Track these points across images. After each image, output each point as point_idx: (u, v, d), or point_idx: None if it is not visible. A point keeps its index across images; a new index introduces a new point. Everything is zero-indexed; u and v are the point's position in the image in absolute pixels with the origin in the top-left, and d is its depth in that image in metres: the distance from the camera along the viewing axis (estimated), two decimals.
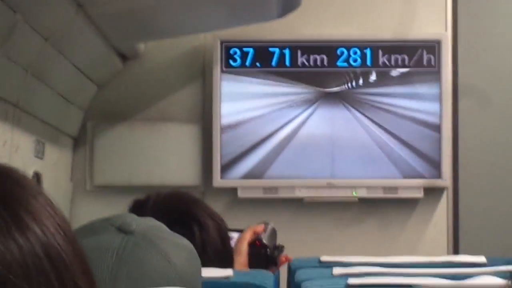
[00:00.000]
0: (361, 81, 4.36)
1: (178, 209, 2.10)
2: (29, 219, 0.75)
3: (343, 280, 1.93)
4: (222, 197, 4.25)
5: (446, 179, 4.24)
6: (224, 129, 4.28)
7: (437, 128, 4.26)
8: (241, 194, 4.25)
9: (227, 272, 1.76)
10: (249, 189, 4.29)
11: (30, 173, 3.57)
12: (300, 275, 2.10)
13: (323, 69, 4.36)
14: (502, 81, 4.54)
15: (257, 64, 4.31)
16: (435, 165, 4.27)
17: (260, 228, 2.51)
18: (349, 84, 4.34)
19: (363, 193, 4.33)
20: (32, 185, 0.90)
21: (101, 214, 1.48)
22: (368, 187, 4.33)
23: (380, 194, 4.30)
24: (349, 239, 4.29)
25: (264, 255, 2.48)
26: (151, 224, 1.43)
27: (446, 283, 1.85)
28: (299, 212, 4.37)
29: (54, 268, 0.75)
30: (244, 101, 4.41)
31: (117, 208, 1.88)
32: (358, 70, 4.35)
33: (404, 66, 4.32)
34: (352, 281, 1.85)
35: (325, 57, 4.35)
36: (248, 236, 2.47)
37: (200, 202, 2.19)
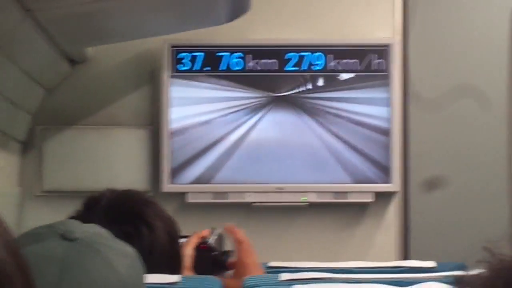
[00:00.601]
0: (311, 86, 4.33)
1: (129, 209, 2.07)
2: None
3: (290, 287, 1.92)
4: (171, 202, 4.15)
5: (396, 184, 4.24)
6: (173, 133, 4.26)
7: (386, 133, 4.25)
8: (190, 199, 4.24)
9: (175, 278, 1.74)
10: (198, 194, 4.27)
11: None
12: (247, 280, 2.05)
13: (273, 73, 4.35)
14: (451, 86, 4.52)
15: (206, 68, 4.31)
16: (385, 170, 4.26)
17: (206, 232, 2.48)
18: (300, 89, 4.31)
19: (313, 198, 4.29)
20: None
21: (50, 219, 1.44)
22: (318, 192, 4.27)
23: (330, 199, 4.28)
24: (299, 244, 4.26)
25: (210, 258, 2.45)
26: (95, 232, 1.43)
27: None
28: (248, 217, 4.31)
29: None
30: (194, 106, 4.38)
31: (66, 213, 1.90)
32: (308, 74, 4.32)
33: (354, 70, 4.32)
34: (298, 287, 1.84)
35: (275, 61, 4.31)
36: (194, 241, 2.47)
37: (152, 203, 2.13)
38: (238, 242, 2.49)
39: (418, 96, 4.46)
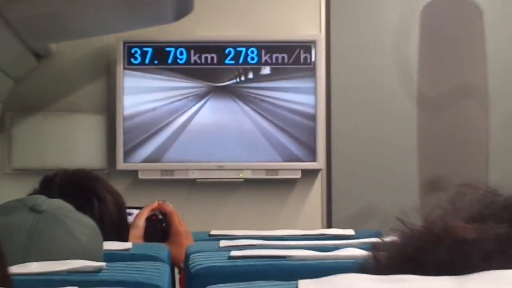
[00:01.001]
0: (246, 77, 4.64)
1: (81, 184, 2.28)
2: None
3: (228, 252, 2.04)
4: (125, 178, 4.54)
5: (320, 162, 4.56)
6: (126, 119, 4.57)
7: (313, 118, 4.58)
8: (141, 176, 4.56)
9: (127, 245, 1.89)
10: (148, 172, 4.59)
11: None
12: (190, 248, 2.21)
13: (213, 66, 4.65)
14: (369, 77, 4.91)
15: (155, 62, 4.60)
16: (311, 150, 4.59)
17: (156, 205, 2.73)
18: (236, 80, 4.63)
19: (248, 175, 4.61)
20: None
21: (18, 195, 1.75)
22: (253, 170, 4.60)
23: (263, 176, 4.61)
24: (236, 215, 4.60)
25: (159, 228, 2.69)
26: (59, 205, 1.63)
27: (315, 254, 1.94)
28: (192, 192, 4.67)
29: None
30: (144, 95, 4.65)
31: (32, 188, 2.18)
32: (244, 67, 4.64)
33: (284, 63, 4.62)
34: (234, 253, 1.95)
35: (215, 55, 4.62)
36: (145, 212, 2.66)
37: (100, 179, 2.41)
38: (170, 214, 2.71)
39: (340, 86, 4.82)
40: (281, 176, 4.66)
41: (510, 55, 5.12)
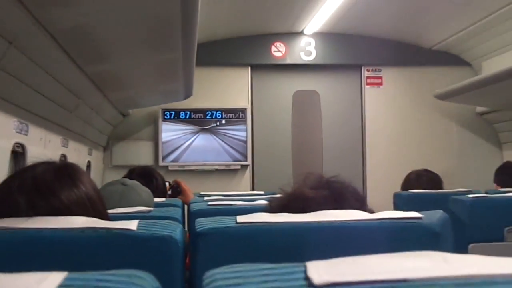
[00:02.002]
0: (216, 124, 6.77)
1: (145, 173, 3.31)
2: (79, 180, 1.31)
3: (208, 202, 2.72)
4: (162, 170, 6.23)
5: (249, 161, 6.86)
6: (162, 143, 6.78)
7: (245, 141, 6.85)
8: (170, 168, 6.63)
9: (150, 207, 2.19)
10: (172, 166, 6.71)
11: None
12: (191, 201, 3.01)
13: (201, 119, 6.81)
14: (272, 124, 7.16)
15: (175, 117, 6.74)
16: (244, 156, 6.84)
17: (175, 180, 4.11)
18: (212, 125, 6.76)
19: (218, 167, 6.81)
20: None
21: (116, 177, 2.62)
22: (219, 165, 6.84)
23: (223, 168, 6.84)
24: (212, 185, 6.41)
25: (176, 189, 3.98)
26: (134, 182, 2.36)
27: (247, 203, 2.61)
28: (192, 175, 6.55)
29: (94, 205, 1.39)
30: (170, 132, 6.77)
31: (123, 175, 3.12)
32: (215, 120, 6.78)
33: (233, 118, 6.80)
34: (211, 203, 2.58)
35: (201, 114, 6.78)
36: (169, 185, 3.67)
37: (154, 170, 3.51)
38: (182, 184, 3.96)
39: (258, 127, 7.04)
40: (231, 168, 6.86)
41: (335, 118, 7.19)
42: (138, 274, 0.63)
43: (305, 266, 0.62)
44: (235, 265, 0.64)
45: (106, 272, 0.62)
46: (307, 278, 0.59)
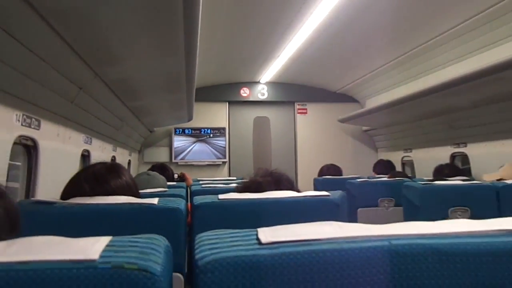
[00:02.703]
0: (207, 137, 6.56)
1: (162, 167, 3.16)
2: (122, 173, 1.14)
3: (200, 184, 2.73)
4: (173, 165, 6.06)
5: (227, 159, 6.56)
6: (174, 148, 6.43)
7: (224, 148, 6.56)
8: (179, 163, 6.26)
9: (163, 188, 2.02)
10: (181, 162, 6.37)
11: None
12: (192, 184, 2.93)
13: (197, 133, 6.59)
14: (242, 138, 6.72)
15: (181, 132, 6.51)
16: (224, 156, 6.55)
17: (181, 172, 3.86)
18: (205, 138, 6.56)
19: (208, 163, 6.41)
20: None
21: (145, 169, 2.56)
22: (208, 162, 6.41)
23: (211, 163, 6.55)
24: (204, 175, 5.95)
25: (181, 177, 3.68)
26: (155, 172, 2.28)
27: (225, 185, 2.48)
28: (193, 168, 6.23)
29: (131, 189, 1.21)
30: (179, 141, 6.53)
31: (149, 167, 2.96)
32: (206, 134, 6.50)
33: (217, 134, 6.57)
34: (203, 185, 2.53)
35: (198, 131, 6.53)
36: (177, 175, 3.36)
37: (167, 166, 3.27)
38: (185, 174, 3.76)
39: (233, 139, 6.62)
40: (216, 163, 6.63)
41: (278, 134, 6.88)
42: (155, 237, 0.62)
43: (257, 231, 0.62)
44: (214, 231, 0.64)
45: (135, 236, 0.61)
46: (258, 239, 0.59)
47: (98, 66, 2.42)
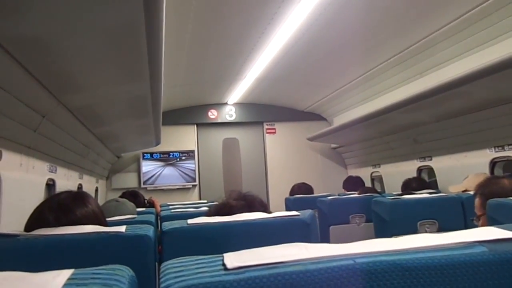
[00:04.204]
0: (176, 160, 6.44)
1: (132, 194, 3.20)
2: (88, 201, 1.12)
3: (169, 208, 2.61)
4: (143, 190, 5.92)
5: (197, 183, 6.49)
6: (142, 173, 6.37)
7: (194, 171, 6.48)
8: (148, 188, 6.21)
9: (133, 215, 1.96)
10: (150, 187, 6.22)
11: None
12: (161, 211, 2.70)
13: (166, 157, 6.43)
14: (210, 160, 6.72)
15: (149, 157, 6.40)
16: (194, 179, 6.50)
17: (151, 197, 3.78)
18: (174, 161, 6.46)
19: (177, 187, 6.33)
20: None
21: (114, 196, 2.39)
22: (179, 186, 6.33)
23: (181, 187, 6.36)
24: (175, 199, 5.88)
25: (150, 203, 3.65)
26: (124, 199, 2.24)
27: (195, 209, 2.43)
28: (162, 193, 6.10)
29: (97, 217, 1.24)
30: (147, 166, 6.43)
31: (118, 195, 2.90)
32: (176, 158, 6.46)
33: (186, 157, 6.47)
34: (173, 210, 2.43)
35: (166, 155, 6.45)
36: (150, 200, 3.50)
37: (138, 193, 3.34)
38: (154, 200, 3.74)
39: (202, 162, 6.57)
40: (186, 187, 6.53)
41: (248, 154, 6.81)
42: (119, 267, 0.60)
43: (223, 256, 0.61)
44: (179, 258, 0.63)
45: (99, 267, 0.59)
46: (224, 265, 0.59)
47: (61, 94, 2.39)
